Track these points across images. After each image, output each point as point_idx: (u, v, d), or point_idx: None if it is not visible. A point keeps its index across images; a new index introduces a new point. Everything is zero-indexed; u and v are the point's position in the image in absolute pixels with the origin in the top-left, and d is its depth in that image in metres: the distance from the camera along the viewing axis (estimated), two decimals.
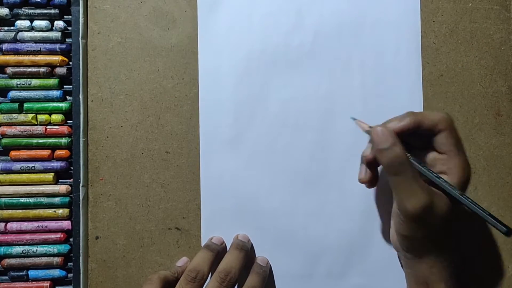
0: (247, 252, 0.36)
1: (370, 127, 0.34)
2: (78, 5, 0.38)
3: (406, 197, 0.31)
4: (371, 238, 0.39)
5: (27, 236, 0.37)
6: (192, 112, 0.39)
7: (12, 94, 0.38)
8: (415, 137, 0.34)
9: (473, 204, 0.31)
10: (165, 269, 0.37)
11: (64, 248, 0.38)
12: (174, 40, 0.39)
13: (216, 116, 0.39)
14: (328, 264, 0.39)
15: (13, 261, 0.37)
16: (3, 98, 0.38)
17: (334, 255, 0.39)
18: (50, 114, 0.38)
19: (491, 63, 0.40)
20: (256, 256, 0.38)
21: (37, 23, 0.38)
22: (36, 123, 0.38)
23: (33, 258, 0.37)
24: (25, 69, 0.38)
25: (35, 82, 0.38)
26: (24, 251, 0.37)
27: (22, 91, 0.38)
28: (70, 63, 0.38)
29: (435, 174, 0.32)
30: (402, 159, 0.31)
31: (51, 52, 0.38)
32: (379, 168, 0.36)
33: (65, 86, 0.39)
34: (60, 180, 0.39)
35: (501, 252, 0.39)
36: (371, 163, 0.35)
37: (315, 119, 0.39)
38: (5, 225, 0.38)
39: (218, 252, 0.36)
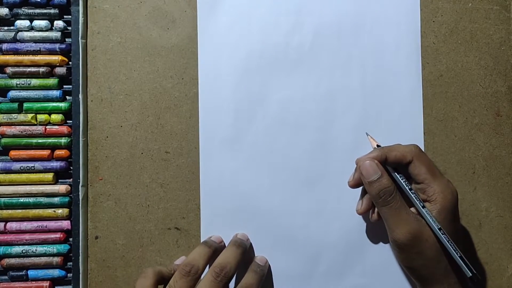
0: (245, 250, 0.36)
1: (377, 145, 0.36)
2: (78, 5, 0.38)
3: (395, 226, 0.33)
4: (371, 238, 0.39)
5: (27, 236, 0.37)
6: (192, 112, 0.39)
7: (12, 94, 0.38)
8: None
9: (446, 240, 0.32)
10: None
11: (63, 248, 0.38)
12: (173, 40, 0.39)
13: (216, 116, 0.39)
14: (327, 264, 0.39)
15: (13, 261, 0.37)
16: (2, 98, 0.38)
17: (334, 255, 0.39)
18: (49, 114, 0.38)
19: (491, 63, 0.40)
20: (255, 255, 0.38)
21: (37, 23, 0.38)
22: (35, 123, 0.38)
23: (32, 258, 0.37)
24: (24, 69, 0.38)
25: (34, 82, 0.38)
26: (23, 251, 0.37)
27: (21, 91, 0.38)
28: (70, 63, 0.38)
29: (421, 204, 0.33)
30: (389, 190, 0.33)
31: (51, 52, 0.38)
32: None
33: (64, 86, 0.39)
34: (59, 180, 0.39)
35: (501, 252, 0.39)
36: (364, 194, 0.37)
37: (315, 119, 0.39)
38: (5, 225, 0.38)
39: (216, 249, 0.36)
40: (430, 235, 0.33)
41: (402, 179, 0.34)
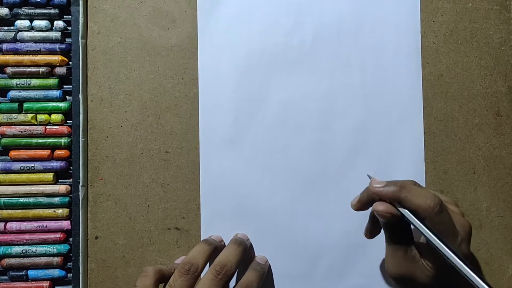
0: (245, 249, 0.36)
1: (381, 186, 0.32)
2: (78, 5, 0.38)
3: (387, 260, 0.33)
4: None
5: (27, 236, 0.37)
6: (192, 112, 0.39)
7: (12, 94, 0.38)
8: None
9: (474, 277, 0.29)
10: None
11: (63, 248, 0.38)
12: (174, 40, 0.39)
13: (216, 116, 0.39)
14: (328, 264, 0.39)
15: (13, 261, 0.37)
16: (2, 98, 0.38)
17: (334, 255, 0.39)
18: (49, 114, 0.38)
19: (491, 63, 0.40)
20: (256, 255, 0.38)
21: (37, 23, 0.38)
22: (35, 123, 0.38)
23: (32, 258, 0.37)
24: (24, 69, 0.38)
25: (34, 82, 0.38)
26: (23, 251, 0.37)
27: (21, 91, 0.38)
28: (70, 63, 0.38)
29: (438, 238, 0.29)
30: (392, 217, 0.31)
31: (51, 52, 0.38)
32: None
33: (64, 86, 0.39)
34: (59, 180, 0.39)
35: (501, 252, 0.39)
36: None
37: (315, 119, 0.39)
38: (5, 225, 0.37)
39: (216, 247, 0.35)
40: (422, 277, 0.31)
41: (413, 219, 0.30)
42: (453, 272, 0.30)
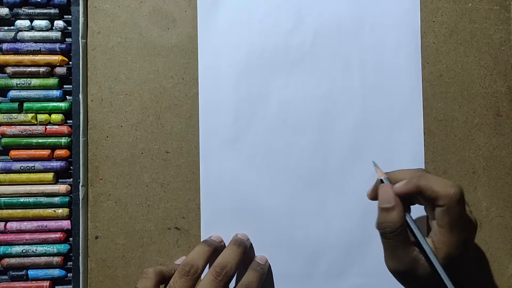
0: (245, 249, 0.36)
1: (381, 180, 0.33)
2: (78, 5, 0.38)
3: (388, 257, 0.32)
4: (371, 238, 0.39)
5: (27, 236, 0.37)
6: (192, 112, 0.39)
7: (12, 93, 0.38)
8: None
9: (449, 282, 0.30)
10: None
11: (63, 247, 0.38)
12: (174, 40, 0.39)
13: (216, 116, 0.39)
14: (327, 264, 0.39)
15: (13, 260, 0.37)
16: (3, 98, 0.38)
17: (334, 255, 0.39)
18: (50, 114, 0.38)
19: (491, 63, 0.40)
20: (256, 255, 0.38)
21: (37, 22, 0.38)
22: (36, 122, 0.38)
23: (32, 257, 0.37)
24: (25, 69, 0.38)
25: (35, 81, 0.38)
26: (23, 251, 0.37)
27: (22, 90, 0.38)
28: (70, 63, 0.38)
29: (425, 241, 0.31)
30: (392, 227, 0.31)
31: (51, 52, 0.38)
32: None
33: (65, 86, 0.39)
34: (59, 180, 0.39)
35: (501, 252, 0.39)
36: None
37: (315, 119, 0.39)
38: (5, 225, 0.38)
39: (216, 248, 0.36)
40: (423, 275, 0.31)
41: (413, 223, 0.31)
42: (459, 269, 0.31)
